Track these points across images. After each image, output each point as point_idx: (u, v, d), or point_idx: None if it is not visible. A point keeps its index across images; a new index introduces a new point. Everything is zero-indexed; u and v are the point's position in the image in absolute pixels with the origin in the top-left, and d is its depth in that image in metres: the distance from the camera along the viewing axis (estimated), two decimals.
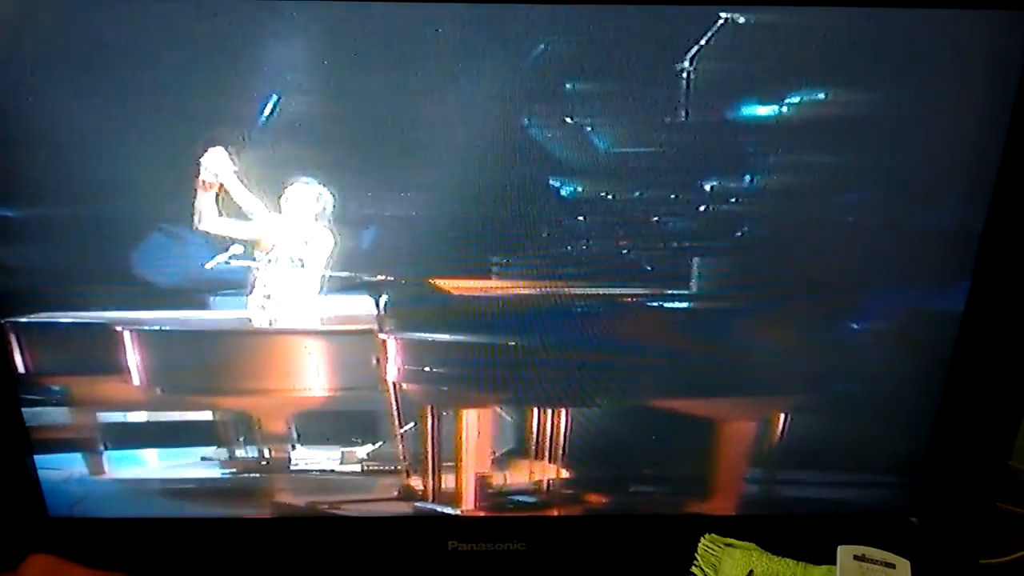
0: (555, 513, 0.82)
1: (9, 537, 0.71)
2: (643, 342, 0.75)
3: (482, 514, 0.78)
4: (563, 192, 0.69)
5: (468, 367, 0.77)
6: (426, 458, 0.80)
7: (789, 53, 0.64)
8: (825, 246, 0.71)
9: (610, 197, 0.69)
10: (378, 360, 0.76)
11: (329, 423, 0.80)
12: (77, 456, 0.77)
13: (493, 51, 0.64)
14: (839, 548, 0.63)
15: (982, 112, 0.65)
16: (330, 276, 0.73)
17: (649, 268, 0.72)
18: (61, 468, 0.77)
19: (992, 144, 0.65)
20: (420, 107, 0.66)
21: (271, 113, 0.65)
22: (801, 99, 0.65)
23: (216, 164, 0.67)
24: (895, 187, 0.68)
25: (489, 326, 0.75)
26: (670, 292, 0.73)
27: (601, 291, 0.73)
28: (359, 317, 0.75)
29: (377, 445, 0.81)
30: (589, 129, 0.67)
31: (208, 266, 0.71)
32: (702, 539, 0.69)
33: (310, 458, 0.81)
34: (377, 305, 0.74)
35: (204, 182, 0.68)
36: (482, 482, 0.81)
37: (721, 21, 0.62)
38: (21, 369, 0.73)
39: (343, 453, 0.81)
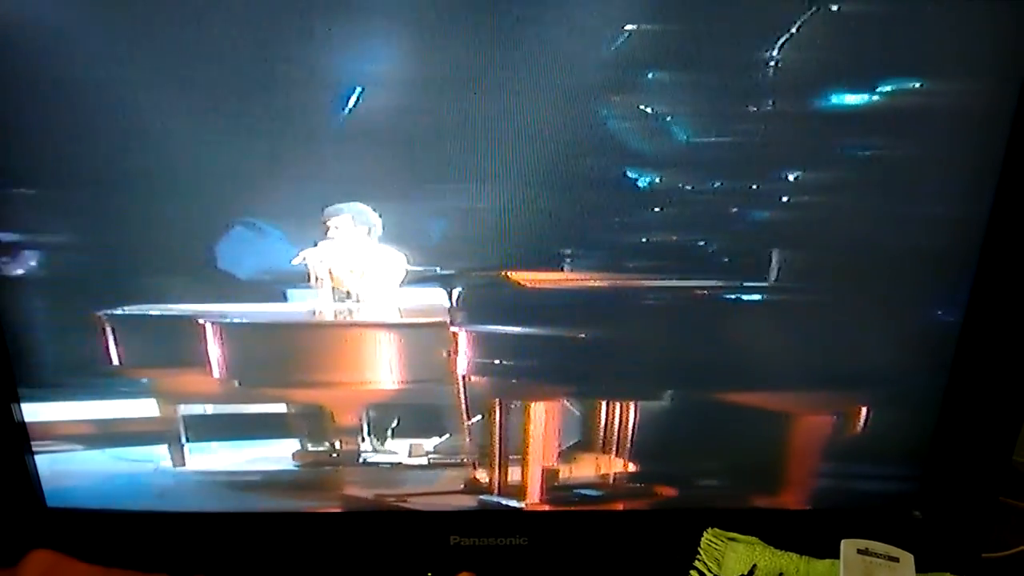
0: (620, 507, 0.82)
1: (9, 533, 0.72)
2: (717, 335, 0.75)
3: (484, 508, 0.79)
4: (640, 183, 0.69)
5: (537, 360, 0.77)
6: (492, 451, 0.81)
7: (881, 42, 0.64)
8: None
9: (688, 188, 0.69)
10: (449, 353, 0.77)
11: (398, 416, 0.81)
12: (161, 448, 0.79)
13: (572, 39, 0.64)
14: (843, 542, 0.62)
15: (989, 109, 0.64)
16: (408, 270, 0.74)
17: (726, 260, 0.71)
18: (144, 461, 0.79)
19: (997, 141, 0.65)
20: (495, 96, 0.66)
21: (354, 105, 0.66)
22: (890, 88, 0.65)
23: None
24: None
25: (560, 318, 0.75)
26: (748, 284, 0.72)
27: (675, 283, 0.73)
28: (431, 310, 0.75)
29: (444, 438, 0.81)
30: (669, 119, 0.66)
31: (294, 262, 0.72)
32: (705, 533, 0.69)
33: (378, 451, 0.82)
34: (449, 298, 0.75)
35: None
36: (548, 476, 0.81)
37: (813, 9, 0.61)
38: (115, 361, 0.74)
39: (410, 446, 0.82)
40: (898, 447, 0.73)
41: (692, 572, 0.67)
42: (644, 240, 0.71)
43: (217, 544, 0.76)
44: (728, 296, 0.73)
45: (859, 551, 0.61)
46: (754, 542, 0.69)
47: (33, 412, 0.76)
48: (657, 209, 0.70)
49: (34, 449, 0.77)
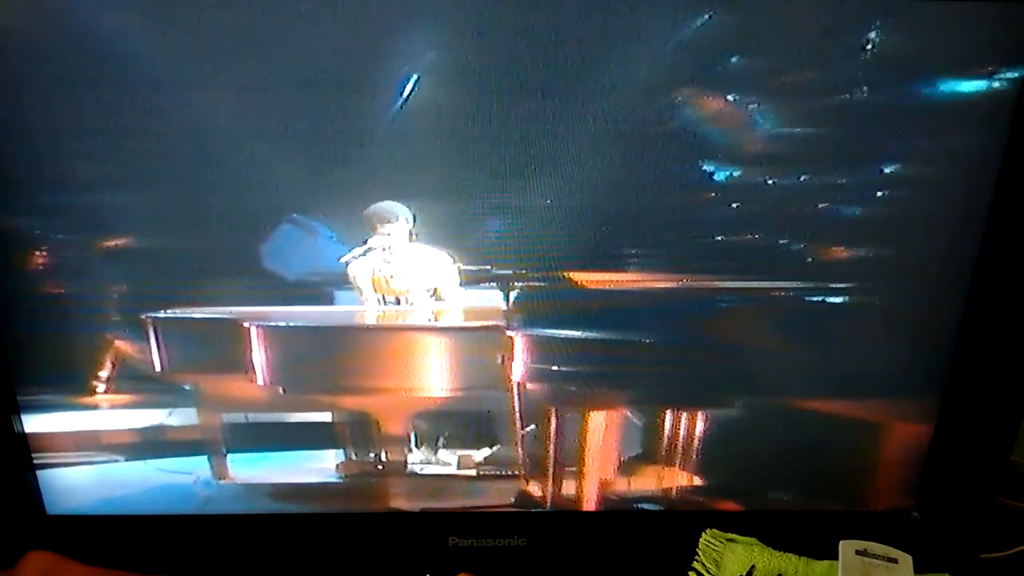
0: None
1: (7, 535, 0.70)
2: (794, 339, 0.71)
3: (482, 509, 0.77)
4: (716, 177, 0.65)
5: (598, 366, 0.73)
6: (546, 463, 0.77)
7: (979, 32, 0.60)
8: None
9: (770, 182, 0.65)
10: (503, 358, 0.74)
11: (447, 425, 0.78)
12: (202, 459, 0.76)
13: (645, 24, 0.61)
14: (841, 543, 0.62)
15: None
16: (460, 270, 0.71)
17: (810, 260, 0.67)
18: (186, 472, 0.76)
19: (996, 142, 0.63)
20: (557, 86, 0.63)
21: (408, 96, 0.63)
22: (987, 82, 0.61)
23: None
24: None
25: (624, 322, 0.72)
26: (832, 286, 0.68)
27: (751, 285, 0.70)
28: (486, 313, 0.72)
29: (494, 449, 0.78)
30: (753, 107, 0.63)
31: (343, 260, 0.69)
32: (703, 534, 0.69)
33: (426, 461, 0.79)
34: (506, 300, 0.72)
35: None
36: (605, 488, 0.78)
37: None
38: (157, 367, 0.72)
39: (459, 457, 0.79)
40: (896, 447, 0.72)
41: (691, 573, 0.67)
42: (719, 238, 0.68)
43: (216, 544, 0.75)
44: (813, 299, 0.69)
45: (858, 552, 0.61)
46: (753, 543, 0.69)
47: (69, 421, 0.74)
48: (735, 205, 0.66)
49: (68, 461, 0.75)
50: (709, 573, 0.67)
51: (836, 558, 0.62)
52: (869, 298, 0.69)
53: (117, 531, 0.74)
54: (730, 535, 0.69)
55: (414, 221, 0.68)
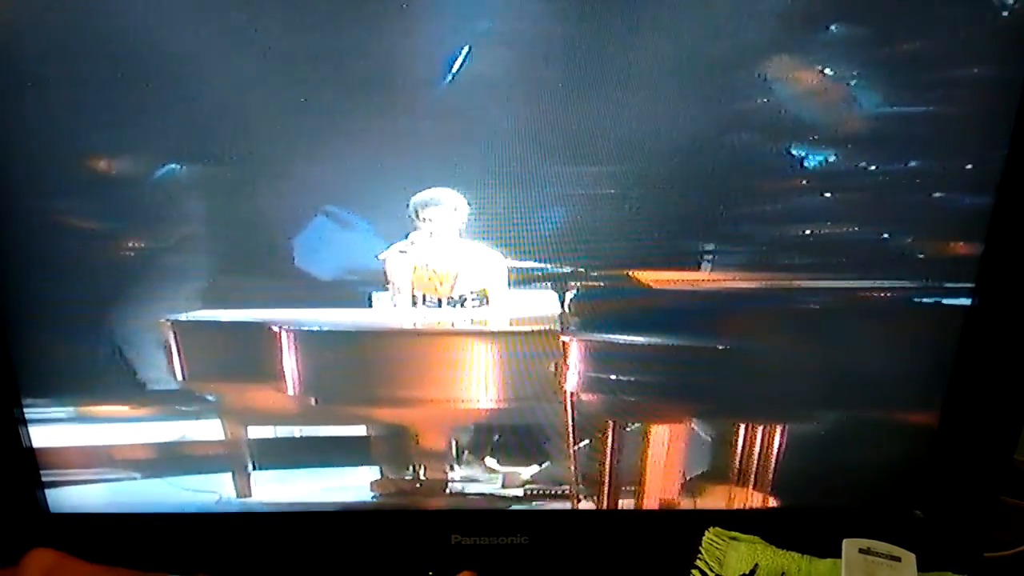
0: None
1: (10, 533, 0.69)
2: (893, 346, 0.66)
3: (484, 507, 0.75)
4: (808, 163, 0.60)
5: (663, 374, 0.68)
6: (601, 481, 0.72)
7: None
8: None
9: (872, 168, 0.59)
10: (557, 366, 0.68)
11: (492, 439, 0.73)
12: (226, 476, 0.72)
13: None
14: (844, 541, 0.62)
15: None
16: (511, 268, 0.65)
17: (921, 256, 0.62)
18: (209, 491, 0.72)
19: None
20: (624, 55, 0.57)
21: (459, 68, 0.57)
22: None
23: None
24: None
25: (695, 326, 0.66)
26: (948, 286, 0.63)
27: (844, 285, 0.64)
28: (539, 316, 0.67)
29: (544, 465, 0.73)
30: (853, 83, 0.57)
31: (380, 257, 0.64)
32: (707, 533, 0.69)
33: (468, 479, 0.74)
34: (562, 301, 0.66)
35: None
36: (665, 508, 0.73)
37: None
38: (178, 376, 0.67)
39: (504, 474, 0.74)
40: (899, 446, 0.71)
41: (694, 572, 0.67)
42: (807, 232, 0.62)
43: (218, 543, 0.73)
44: (922, 300, 0.64)
45: (861, 551, 0.62)
46: (756, 541, 0.68)
47: (80, 435, 0.70)
48: (827, 195, 0.61)
49: (79, 479, 0.71)
50: (712, 571, 0.66)
51: (839, 556, 0.62)
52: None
53: (121, 529, 0.72)
54: (733, 533, 0.69)
55: (463, 210, 0.63)
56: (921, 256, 0.62)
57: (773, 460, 0.70)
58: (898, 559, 0.61)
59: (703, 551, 0.67)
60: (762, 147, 0.59)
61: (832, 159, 0.59)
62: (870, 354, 0.67)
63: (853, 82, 0.56)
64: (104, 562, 0.64)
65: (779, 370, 0.67)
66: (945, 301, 0.64)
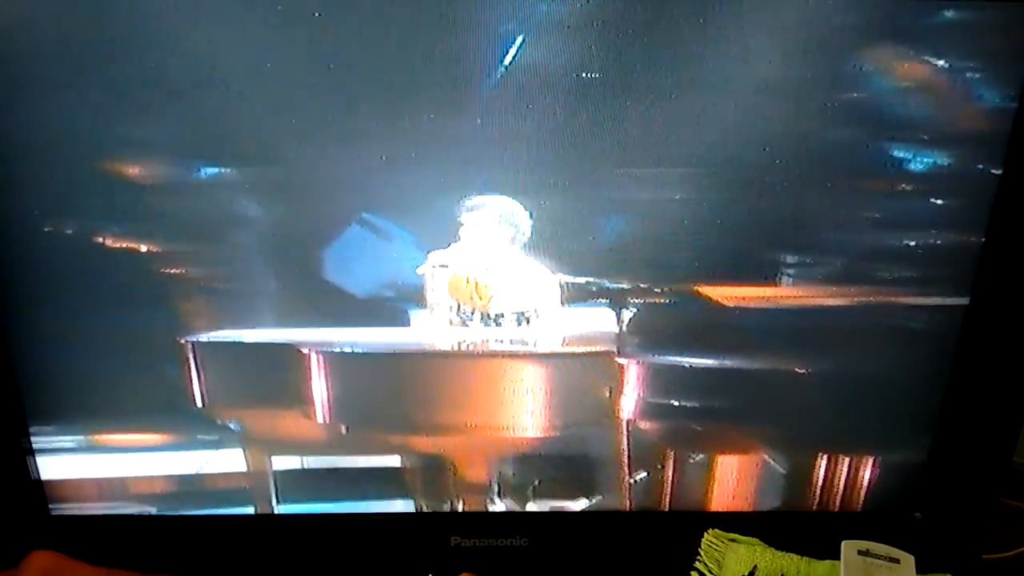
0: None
1: (10, 534, 0.68)
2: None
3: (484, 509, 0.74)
4: (912, 165, 0.55)
5: (731, 400, 0.64)
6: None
7: None
8: None
9: (979, 168, 0.54)
10: (611, 390, 0.65)
11: (537, 470, 0.69)
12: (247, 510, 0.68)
13: None
14: (843, 543, 0.63)
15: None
16: (563, 283, 0.61)
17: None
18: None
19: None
20: (693, 47, 0.53)
21: (511, 60, 0.53)
22: None
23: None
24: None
25: (769, 347, 0.62)
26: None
27: (944, 301, 0.60)
28: (593, 336, 0.63)
29: (595, 499, 0.70)
30: (969, 74, 0.52)
31: (420, 271, 0.60)
32: (706, 534, 0.70)
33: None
34: (618, 320, 0.63)
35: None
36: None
37: None
38: (198, 401, 0.64)
39: (552, 509, 0.70)
40: (898, 448, 0.70)
41: (693, 573, 0.67)
42: (904, 242, 0.57)
43: (219, 544, 0.72)
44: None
45: (860, 552, 0.63)
46: (755, 543, 0.69)
47: (92, 465, 0.67)
48: (935, 200, 0.55)
49: (90, 512, 0.68)
50: (711, 573, 0.67)
51: (838, 558, 0.63)
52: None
53: (121, 530, 0.71)
54: (732, 535, 0.69)
55: (516, 220, 0.58)
56: None
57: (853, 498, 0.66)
58: (897, 561, 0.61)
59: (702, 553, 0.68)
60: (855, 146, 0.54)
61: (942, 161, 0.54)
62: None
63: (969, 74, 0.51)
64: (104, 564, 0.63)
65: (870, 395, 0.63)
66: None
